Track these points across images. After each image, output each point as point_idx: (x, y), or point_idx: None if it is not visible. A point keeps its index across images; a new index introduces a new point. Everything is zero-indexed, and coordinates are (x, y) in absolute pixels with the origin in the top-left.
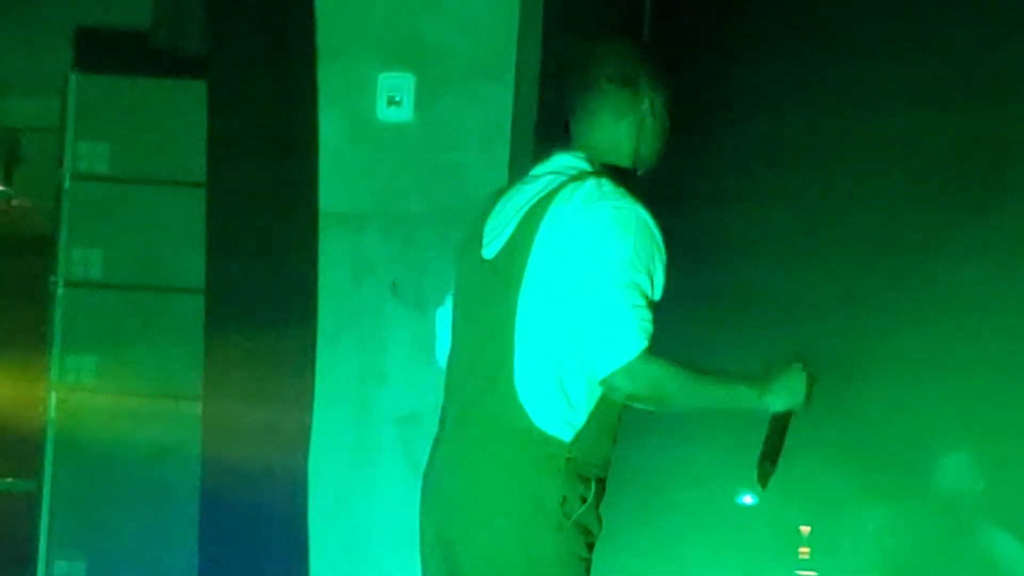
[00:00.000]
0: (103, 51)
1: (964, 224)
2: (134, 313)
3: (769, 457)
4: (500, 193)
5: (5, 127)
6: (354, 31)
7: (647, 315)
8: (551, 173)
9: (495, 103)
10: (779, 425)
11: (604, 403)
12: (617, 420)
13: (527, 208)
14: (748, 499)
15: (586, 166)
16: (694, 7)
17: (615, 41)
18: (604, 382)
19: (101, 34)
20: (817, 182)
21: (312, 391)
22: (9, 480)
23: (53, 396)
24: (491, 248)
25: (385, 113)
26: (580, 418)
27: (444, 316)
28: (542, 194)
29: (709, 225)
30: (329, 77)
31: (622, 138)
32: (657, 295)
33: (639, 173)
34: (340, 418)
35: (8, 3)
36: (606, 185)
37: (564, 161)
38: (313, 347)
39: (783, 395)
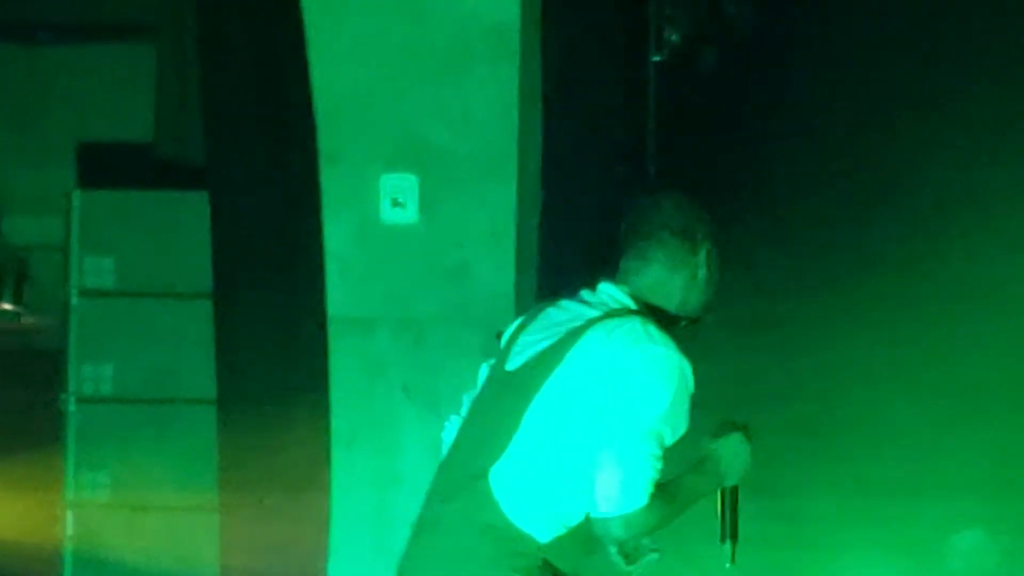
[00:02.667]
0: (105, 166)
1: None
2: (147, 426)
3: (731, 533)
4: (539, 309)
5: (12, 246)
6: (355, 134)
7: (659, 466)
8: (596, 301)
9: (499, 201)
10: (731, 498)
11: (588, 526)
12: (592, 542)
13: (564, 330)
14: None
15: (631, 303)
16: (698, 96)
17: (676, 196)
18: (599, 522)
19: (103, 149)
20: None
21: (328, 497)
22: None
23: (69, 513)
24: (516, 361)
25: (389, 215)
26: (559, 530)
27: (452, 428)
28: (582, 319)
29: None
30: (331, 181)
31: (673, 288)
32: (675, 440)
33: (683, 324)
34: (358, 523)
35: (10, 121)
36: (652, 328)
37: (610, 292)
38: (328, 452)
39: (734, 465)
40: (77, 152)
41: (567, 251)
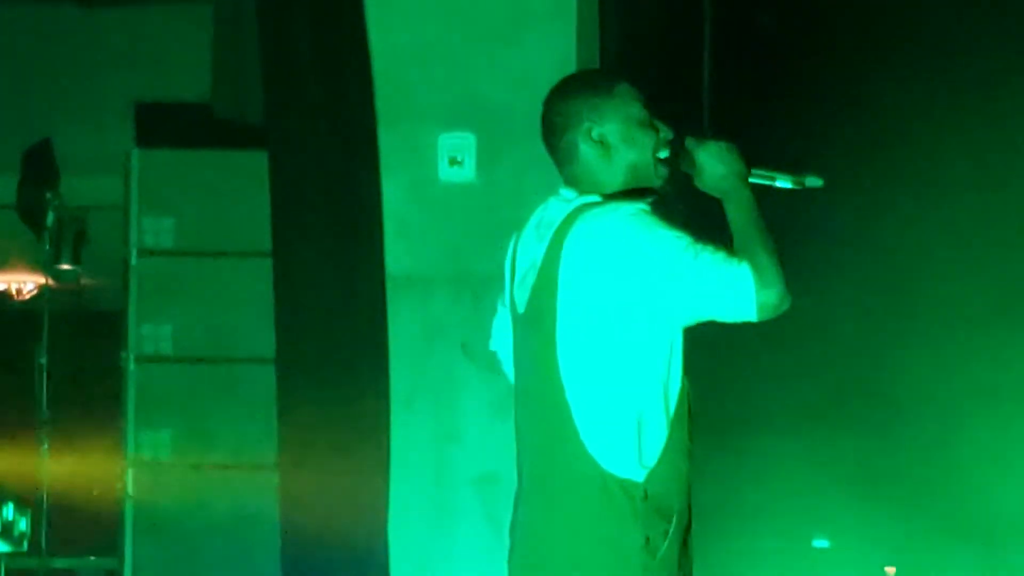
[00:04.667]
0: (164, 125)
1: None
2: (206, 385)
3: (786, 170)
4: (515, 239)
5: (71, 206)
6: (413, 94)
7: (712, 245)
8: (557, 207)
9: None
10: (763, 172)
11: (675, 431)
12: (689, 441)
13: (542, 251)
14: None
15: (585, 199)
16: (753, 53)
17: (557, 86)
18: (761, 314)
19: (161, 109)
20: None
21: (388, 456)
22: (92, 559)
23: (130, 472)
24: (520, 298)
25: (447, 174)
26: (652, 456)
27: (501, 317)
28: (552, 236)
29: None
30: (390, 140)
31: (598, 169)
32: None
33: (648, 199)
34: (418, 481)
35: (67, 82)
36: (607, 203)
37: (565, 195)
38: (387, 411)
39: (730, 160)
40: (135, 112)
41: None
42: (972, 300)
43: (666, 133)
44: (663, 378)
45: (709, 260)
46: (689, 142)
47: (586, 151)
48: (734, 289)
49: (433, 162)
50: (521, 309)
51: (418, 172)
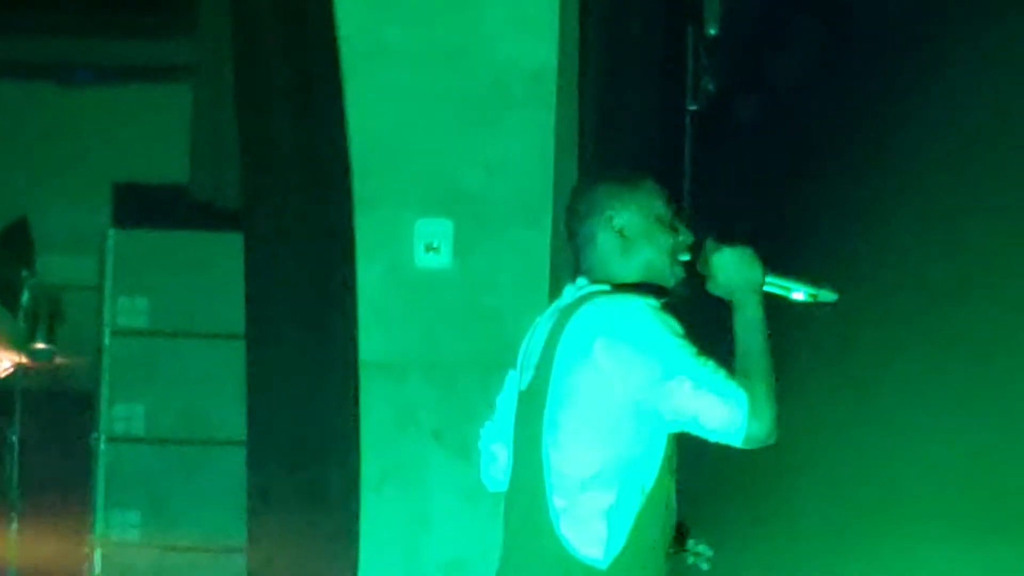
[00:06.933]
0: (141, 206)
1: None
2: (176, 467)
3: (807, 281)
4: (535, 324)
5: (47, 285)
6: (390, 178)
7: (713, 361)
8: (571, 295)
9: (533, 247)
10: (777, 280)
11: (645, 524)
12: (662, 536)
13: (546, 332)
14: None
15: (599, 287)
16: (734, 145)
17: (586, 180)
18: (746, 444)
19: (138, 189)
20: None
21: (357, 540)
22: None
23: (98, 552)
24: (525, 377)
25: (423, 260)
26: (616, 544)
27: (488, 433)
28: (557, 318)
29: None
30: (366, 225)
31: (614, 262)
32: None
33: (663, 301)
34: (387, 566)
35: (45, 161)
36: (616, 296)
37: (579, 283)
38: (357, 496)
39: (745, 270)
40: (113, 191)
41: None
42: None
43: (686, 236)
44: (639, 471)
45: (708, 378)
46: (709, 244)
47: (604, 240)
48: (727, 414)
49: (409, 248)
50: (523, 387)
51: (394, 257)
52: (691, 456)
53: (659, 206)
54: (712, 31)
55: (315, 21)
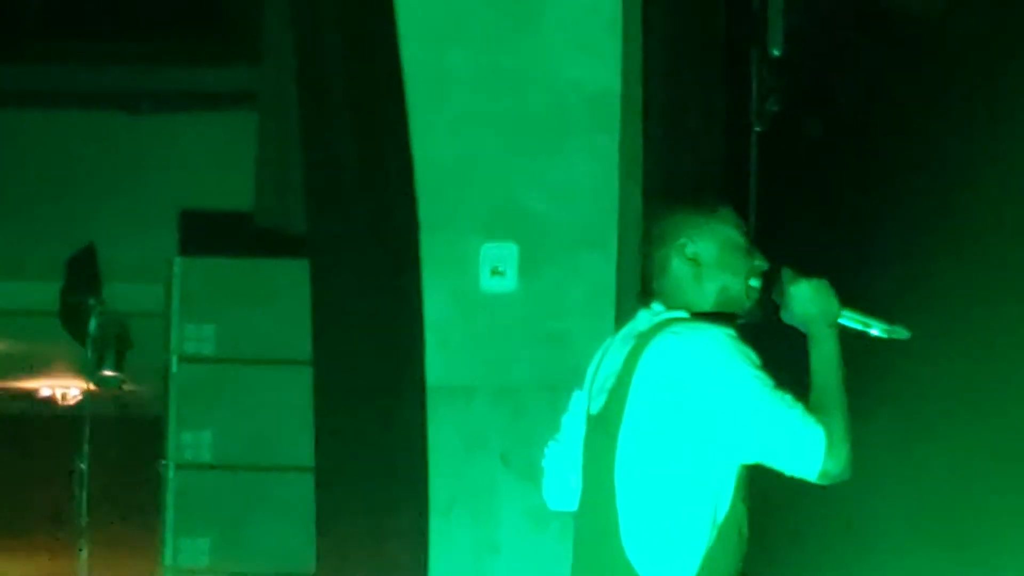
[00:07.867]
0: (206, 233)
1: None
2: (245, 493)
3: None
4: (608, 343)
5: (114, 312)
6: (455, 203)
7: (790, 395)
8: (646, 322)
9: (598, 271)
10: (853, 313)
11: (717, 554)
12: (736, 565)
13: (622, 359)
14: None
15: (675, 313)
16: (799, 166)
17: (660, 207)
18: (820, 479)
19: (204, 216)
20: None
21: (427, 566)
22: None
23: None
24: (597, 402)
25: (489, 283)
26: (689, 569)
27: (552, 453)
28: (634, 343)
29: None
30: (432, 249)
31: (688, 289)
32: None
33: (744, 317)
34: None
35: (112, 188)
36: (693, 323)
37: (655, 309)
38: (426, 521)
39: (821, 302)
40: (179, 219)
41: None
42: None
43: (761, 263)
44: (712, 501)
45: (785, 413)
46: (785, 273)
47: (678, 266)
48: (803, 450)
49: (475, 272)
50: (594, 411)
51: (460, 282)
52: None
53: (735, 233)
54: (775, 52)
55: (379, 46)
